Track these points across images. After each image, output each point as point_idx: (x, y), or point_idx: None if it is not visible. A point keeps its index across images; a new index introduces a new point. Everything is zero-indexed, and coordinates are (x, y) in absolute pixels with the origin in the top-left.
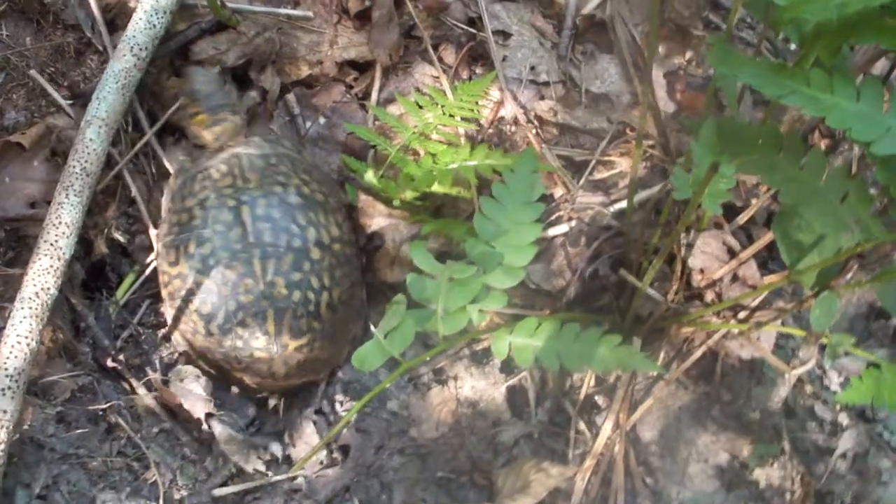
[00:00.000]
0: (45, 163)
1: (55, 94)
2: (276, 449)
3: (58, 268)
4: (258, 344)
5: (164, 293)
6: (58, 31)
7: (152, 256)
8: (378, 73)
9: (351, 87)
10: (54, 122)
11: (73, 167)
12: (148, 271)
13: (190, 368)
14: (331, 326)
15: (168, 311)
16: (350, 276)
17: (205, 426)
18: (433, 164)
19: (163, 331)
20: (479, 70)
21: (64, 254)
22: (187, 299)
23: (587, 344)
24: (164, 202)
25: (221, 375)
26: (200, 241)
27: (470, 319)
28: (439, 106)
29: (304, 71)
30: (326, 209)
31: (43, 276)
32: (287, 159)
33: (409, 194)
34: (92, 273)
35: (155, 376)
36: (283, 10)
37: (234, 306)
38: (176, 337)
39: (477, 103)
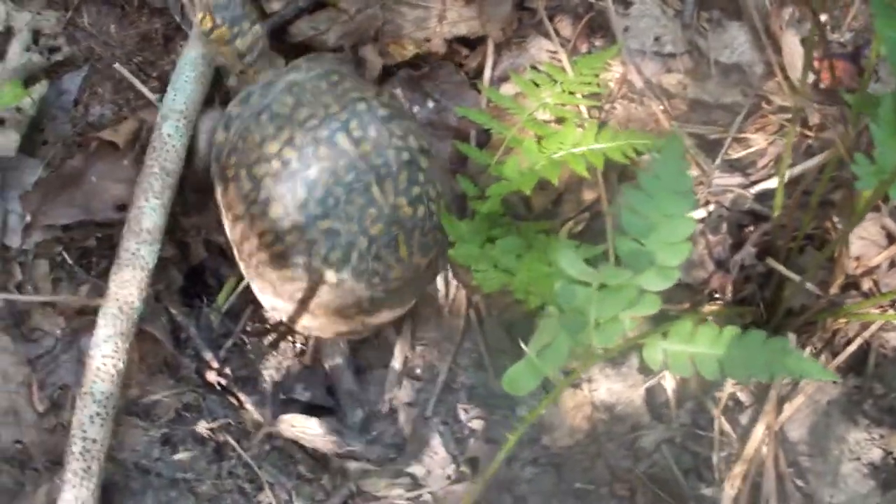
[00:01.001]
0: (135, 162)
1: (142, 88)
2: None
3: (141, 279)
4: (395, 273)
5: (264, 256)
6: (143, 17)
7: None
8: (490, 50)
9: (461, 65)
10: (144, 116)
11: (151, 167)
12: None
13: (299, 417)
14: (445, 234)
15: (264, 276)
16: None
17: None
18: (545, 152)
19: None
20: (598, 43)
21: (147, 263)
22: (309, 252)
23: (750, 349)
24: (215, 160)
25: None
26: (308, 183)
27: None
28: (558, 83)
29: (411, 50)
30: (408, 115)
31: (125, 288)
32: (341, 74)
33: (526, 183)
34: (190, 278)
35: (265, 417)
36: None
37: (366, 242)
38: (279, 305)
39: (597, 76)
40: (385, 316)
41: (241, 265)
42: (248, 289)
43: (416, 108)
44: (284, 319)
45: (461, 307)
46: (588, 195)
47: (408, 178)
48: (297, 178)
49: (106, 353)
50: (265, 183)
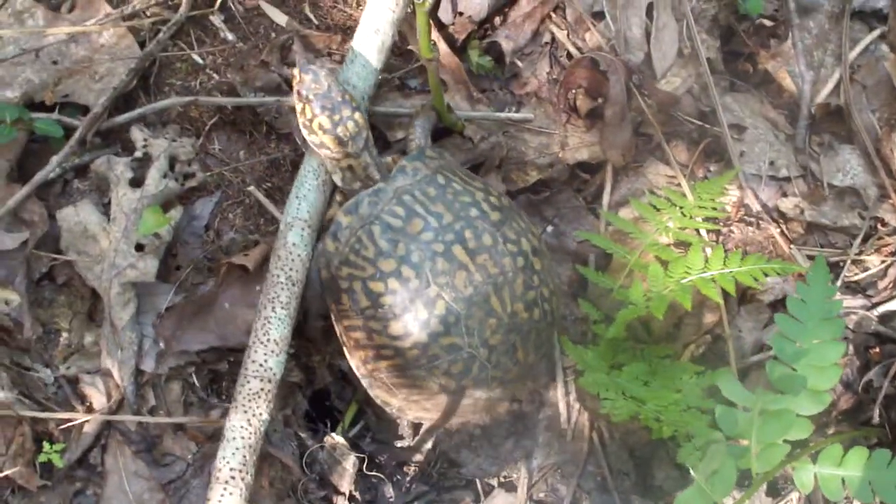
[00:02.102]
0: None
1: (274, 211)
2: None
3: (269, 390)
4: (511, 376)
5: (381, 364)
6: (271, 143)
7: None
8: (609, 175)
9: (579, 190)
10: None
11: (277, 276)
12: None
13: None
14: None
15: (379, 378)
16: None
17: None
18: (672, 277)
19: (393, 407)
20: (712, 167)
21: (275, 374)
22: (430, 366)
23: None
24: (325, 268)
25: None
26: (428, 302)
27: None
28: (678, 208)
29: (534, 176)
30: (515, 209)
31: (253, 400)
32: (448, 171)
33: (658, 309)
34: (314, 402)
35: None
36: (503, 115)
37: (486, 353)
38: (392, 402)
39: (716, 201)
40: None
41: (353, 363)
42: (371, 411)
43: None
44: (396, 412)
45: (584, 430)
46: (709, 318)
47: (523, 283)
48: (416, 296)
49: (234, 465)
50: (383, 301)
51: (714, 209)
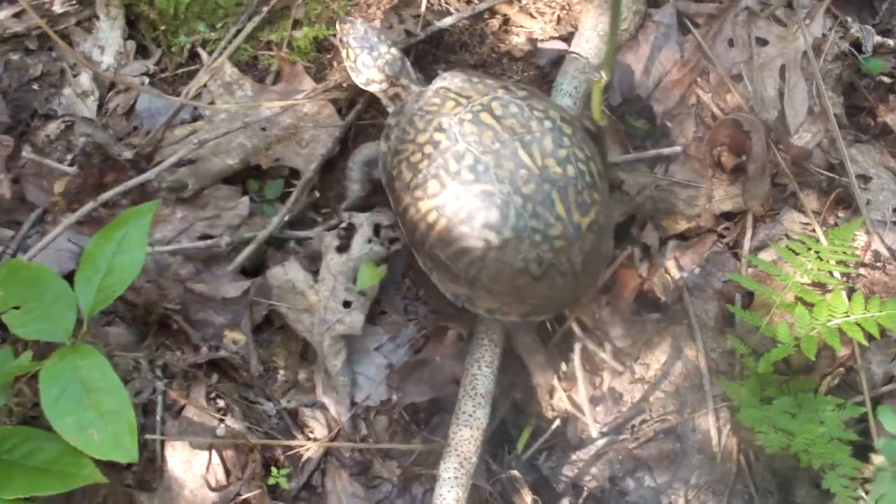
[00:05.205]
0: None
1: None
2: None
3: (476, 437)
4: (555, 231)
5: (434, 238)
6: None
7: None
8: (749, 222)
9: (722, 236)
10: None
11: (482, 339)
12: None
13: None
14: (605, 200)
15: (440, 261)
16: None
17: None
18: (818, 319)
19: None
20: (840, 214)
21: (481, 423)
22: (470, 219)
23: None
24: (382, 170)
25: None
26: (458, 156)
27: None
28: (813, 252)
29: (682, 225)
30: (546, 98)
31: (464, 445)
32: (480, 76)
33: (809, 349)
34: (495, 429)
35: None
36: (653, 152)
37: (521, 200)
38: (460, 291)
39: (847, 245)
40: (561, 291)
41: (420, 261)
42: (540, 436)
43: (684, 274)
44: (469, 306)
45: (732, 453)
46: (843, 351)
47: (553, 141)
48: (447, 153)
49: (448, 501)
50: (421, 167)
51: (845, 253)
